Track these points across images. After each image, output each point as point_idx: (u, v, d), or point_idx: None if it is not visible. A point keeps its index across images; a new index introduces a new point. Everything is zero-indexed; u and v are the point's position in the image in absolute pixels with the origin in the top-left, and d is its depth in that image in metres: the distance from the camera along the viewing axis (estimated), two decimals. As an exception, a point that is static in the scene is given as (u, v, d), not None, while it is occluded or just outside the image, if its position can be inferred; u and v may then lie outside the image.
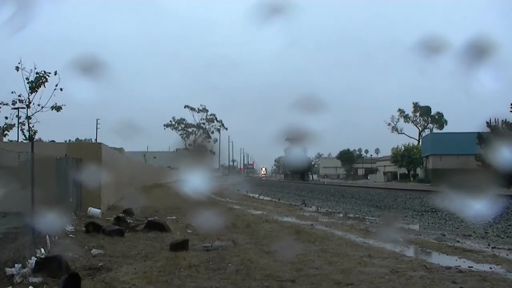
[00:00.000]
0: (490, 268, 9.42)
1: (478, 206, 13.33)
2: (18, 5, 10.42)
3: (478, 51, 9.38)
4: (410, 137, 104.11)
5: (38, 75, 12.91)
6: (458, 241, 13.59)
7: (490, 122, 46.79)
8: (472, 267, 9.46)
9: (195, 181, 13.70)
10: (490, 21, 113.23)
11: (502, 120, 45.86)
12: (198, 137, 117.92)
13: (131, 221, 16.28)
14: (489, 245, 12.92)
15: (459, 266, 9.48)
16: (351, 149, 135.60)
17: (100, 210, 17.68)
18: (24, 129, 13.19)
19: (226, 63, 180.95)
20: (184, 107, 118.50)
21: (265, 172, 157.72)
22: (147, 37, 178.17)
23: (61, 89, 12.82)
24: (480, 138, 44.89)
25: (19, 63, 12.69)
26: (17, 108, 13.91)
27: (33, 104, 12.88)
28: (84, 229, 13.77)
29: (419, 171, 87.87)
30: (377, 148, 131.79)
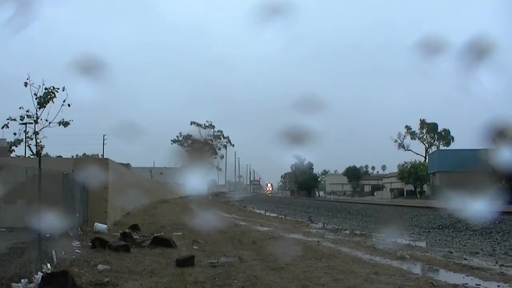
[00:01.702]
0: (498, 286, 9.36)
1: (484, 222, 13.26)
2: (17, 9, 10.54)
3: (483, 53, 9.39)
4: (417, 154, 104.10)
5: (47, 90, 13.04)
6: (465, 259, 13.50)
7: (495, 137, 46.71)
8: (479, 285, 9.40)
9: (200, 197, 13.73)
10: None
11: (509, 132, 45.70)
12: (204, 153, 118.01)
13: (137, 237, 16.27)
14: (496, 262, 12.83)
15: (467, 283, 9.42)
16: (358, 166, 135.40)
17: (106, 226, 17.68)
18: (31, 144, 13.30)
19: (230, 74, 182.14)
20: (191, 124, 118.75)
21: (271, 189, 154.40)
22: (148, 47, 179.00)
23: (69, 105, 12.96)
24: (487, 153, 44.77)
25: (27, 79, 12.86)
26: (25, 124, 14.03)
27: (41, 119, 13.02)
28: (90, 244, 13.77)
29: (426, 188, 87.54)
30: (384, 165, 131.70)
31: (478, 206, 13.19)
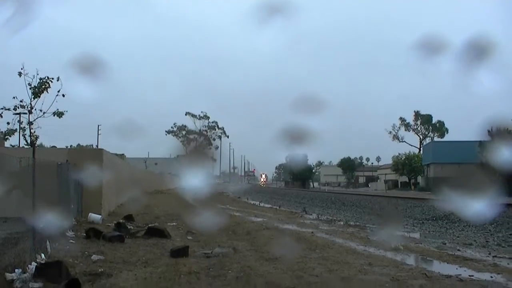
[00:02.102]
0: (491, 277, 9.40)
1: (478, 214, 13.31)
2: (16, 7, 10.48)
3: (479, 52, 9.40)
4: (411, 145, 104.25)
5: (41, 80, 12.94)
6: (458, 250, 13.56)
7: (492, 130, 46.81)
8: (472, 276, 9.44)
9: (195, 188, 13.71)
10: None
11: (506, 128, 45.83)
12: (199, 144, 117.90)
13: (131, 227, 16.26)
14: (490, 254, 12.90)
15: (460, 274, 9.46)
16: (352, 157, 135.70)
17: (100, 216, 17.66)
18: (25, 134, 13.23)
19: (225, 66, 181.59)
20: (185, 114, 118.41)
21: (265, 179, 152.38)
22: (145, 40, 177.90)
23: (63, 95, 12.88)
24: (482, 146, 44.94)
25: (21, 69, 12.76)
26: (19, 114, 13.95)
27: (35, 109, 12.93)
28: (85, 235, 13.76)
29: (420, 179, 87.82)
30: (378, 156, 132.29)
31: (474, 200, 13.21)
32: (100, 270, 9.52)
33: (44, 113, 12.90)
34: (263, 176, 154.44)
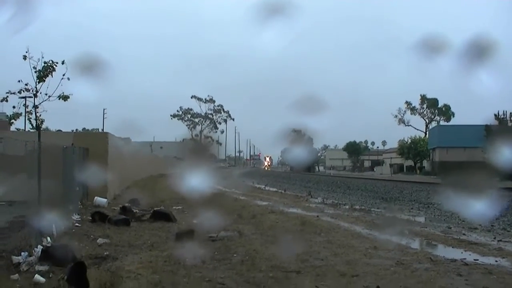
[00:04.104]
0: (496, 261, 9.41)
1: (483, 200, 13.25)
2: (18, 5, 10.43)
3: (481, 48, 9.33)
4: (417, 129, 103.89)
5: (45, 64, 12.89)
6: (464, 234, 13.54)
7: (498, 115, 46.62)
8: (477, 260, 9.45)
9: (201, 171, 13.70)
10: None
11: (511, 113, 45.65)
12: (205, 127, 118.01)
13: (137, 211, 16.32)
14: (495, 238, 12.87)
15: (465, 258, 9.47)
16: (358, 141, 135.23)
17: (106, 200, 17.74)
18: (31, 118, 13.19)
19: (230, 53, 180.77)
20: (191, 97, 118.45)
21: (269, 163, 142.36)
22: (150, 26, 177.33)
23: (68, 79, 12.81)
24: (488, 130, 44.70)
25: (26, 52, 12.69)
26: (24, 97, 13.91)
27: (40, 93, 12.89)
28: (90, 218, 13.83)
29: (425, 163, 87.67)
30: (384, 140, 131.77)
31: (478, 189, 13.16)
32: (105, 253, 9.58)
33: (49, 96, 12.83)
34: (267, 159, 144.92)
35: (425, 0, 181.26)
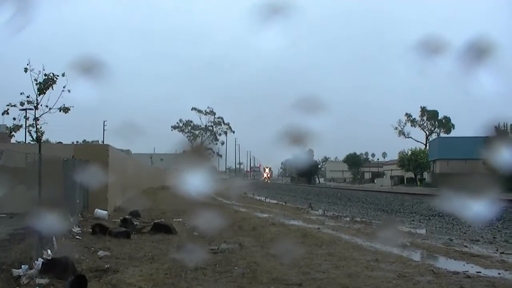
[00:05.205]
0: (499, 273, 9.35)
1: (484, 211, 13.21)
2: (17, 6, 10.46)
3: (480, 52, 9.31)
4: (417, 141, 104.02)
5: (46, 77, 12.95)
6: (465, 246, 13.49)
7: (499, 126, 46.62)
8: (480, 272, 9.39)
9: (201, 183, 13.66)
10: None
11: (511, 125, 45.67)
12: (205, 139, 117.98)
13: (137, 223, 16.29)
14: (497, 250, 12.82)
15: (467, 271, 9.41)
16: (358, 153, 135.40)
17: (106, 212, 17.69)
18: (31, 130, 13.24)
19: (228, 63, 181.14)
20: (192, 109, 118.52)
21: (269, 174, 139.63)
22: (149, 37, 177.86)
23: (68, 91, 12.89)
24: (488, 142, 44.62)
25: (27, 65, 12.76)
26: (25, 109, 13.96)
27: (41, 105, 12.94)
28: (91, 230, 13.78)
29: (426, 175, 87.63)
30: (384, 152, 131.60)
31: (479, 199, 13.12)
32: (106, 266, 9.53)
33: (50, 108, 12.88)
34: (267, 170, 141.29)
35: (425, 1, 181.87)
